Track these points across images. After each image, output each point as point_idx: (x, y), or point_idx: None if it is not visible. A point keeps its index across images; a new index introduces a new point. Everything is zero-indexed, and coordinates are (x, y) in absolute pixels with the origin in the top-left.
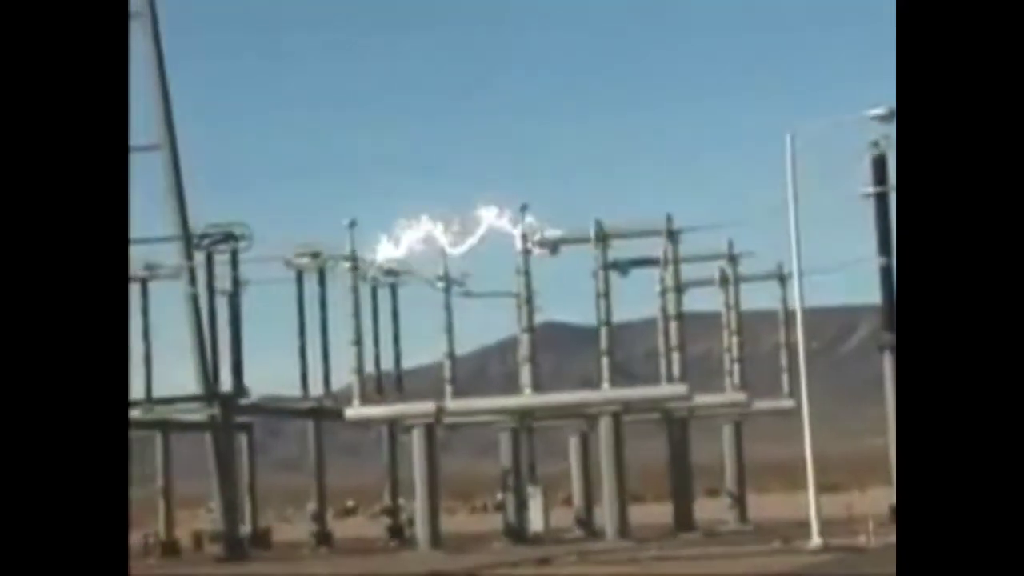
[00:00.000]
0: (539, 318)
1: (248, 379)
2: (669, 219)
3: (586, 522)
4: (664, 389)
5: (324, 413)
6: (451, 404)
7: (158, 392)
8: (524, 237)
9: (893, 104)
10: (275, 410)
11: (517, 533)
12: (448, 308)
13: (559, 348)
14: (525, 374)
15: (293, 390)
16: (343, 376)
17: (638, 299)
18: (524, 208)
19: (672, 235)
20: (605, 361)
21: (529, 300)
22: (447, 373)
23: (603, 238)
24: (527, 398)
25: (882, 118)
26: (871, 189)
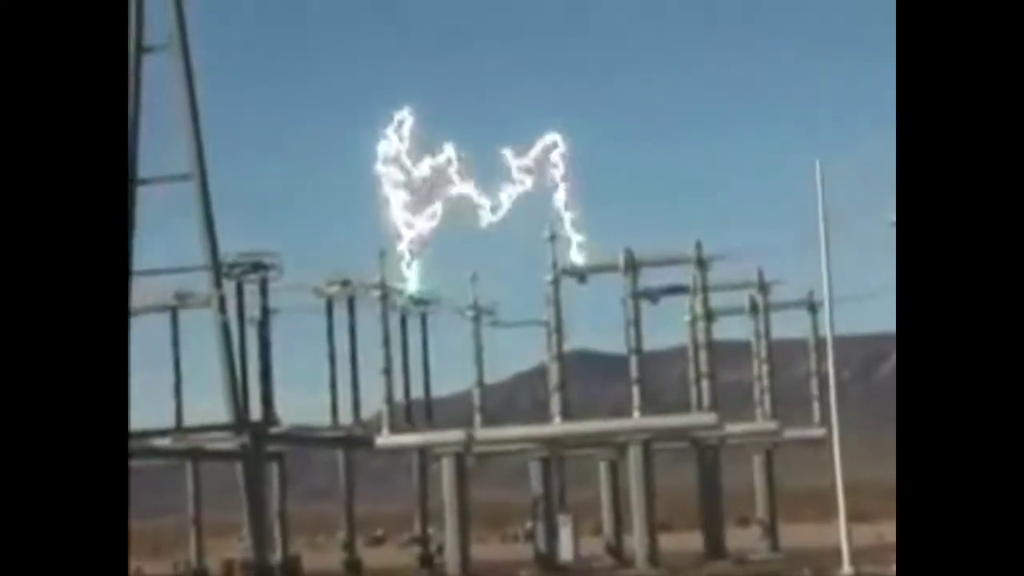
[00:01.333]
0: (569, 346)
1: (278, 408)
2: (699, 247)
3: (616, 550)
4: (694, 418)
5: (354, 442)
6: (481, 432)
7: (189, 421)
8: (554, 265)
9: None
10: (305, 439)
11: (547, 562)
12: (477, 336)
13: (589, 376)
14: (555, 402)
15: (323, 419)
16: (373, 405)
17: (668, 327)
18: (553, 237)
19: (702, 263)
20: (635, 389)
21: (559, 329)
22: (476, 401)
23: (633, 266)
24: (557, 427)
25: None
26: None
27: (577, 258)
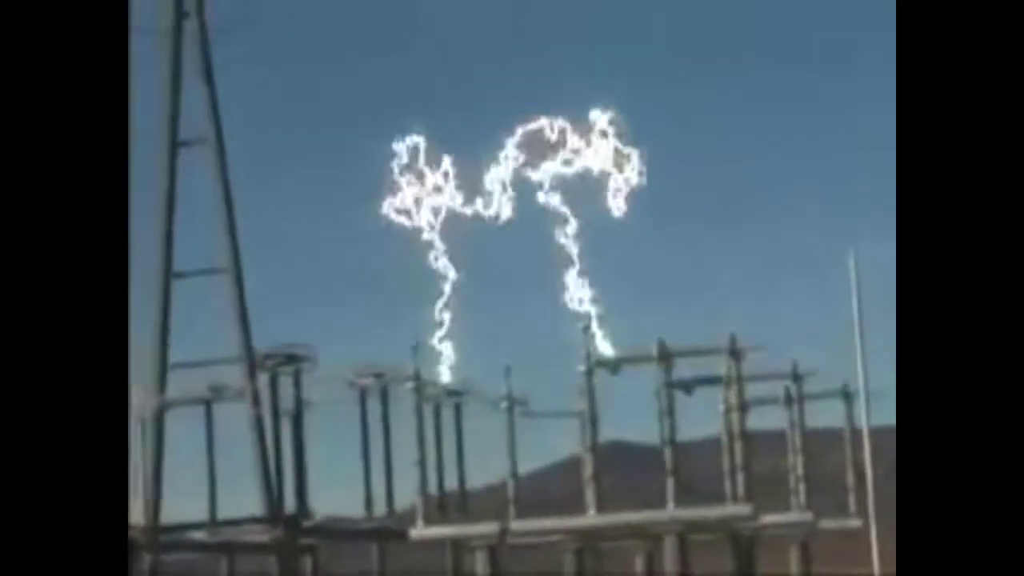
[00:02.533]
0: (602, 437)
1: (312, 500)
2: (733, 338)
3: None
4: (729, 509)
5: (388, 534)
6: (515, 524)
7: (222, 514)
8: (587, 356)
9: None
10: (339, 531)
11: None
12: (511, 428)
13: (623, 467)
14: (589, 494)
15: (357, 511)
16: (407, 496)
17: (702, 418)
18: (587, 328)
19: (736, 354)
20: (670, 480)
21: (592, 420)
22: (511, 493)
23: (666, 357)
24: (591, 518)
25: None
26: None
27: (609, 349)
